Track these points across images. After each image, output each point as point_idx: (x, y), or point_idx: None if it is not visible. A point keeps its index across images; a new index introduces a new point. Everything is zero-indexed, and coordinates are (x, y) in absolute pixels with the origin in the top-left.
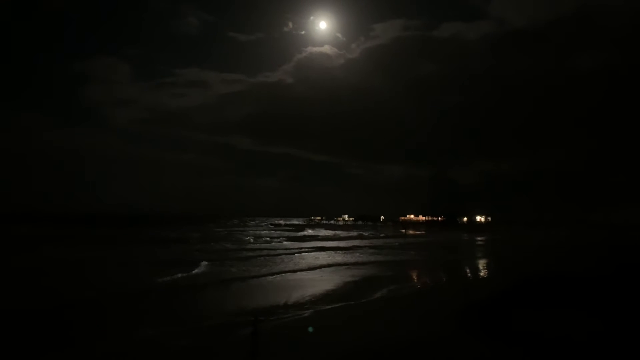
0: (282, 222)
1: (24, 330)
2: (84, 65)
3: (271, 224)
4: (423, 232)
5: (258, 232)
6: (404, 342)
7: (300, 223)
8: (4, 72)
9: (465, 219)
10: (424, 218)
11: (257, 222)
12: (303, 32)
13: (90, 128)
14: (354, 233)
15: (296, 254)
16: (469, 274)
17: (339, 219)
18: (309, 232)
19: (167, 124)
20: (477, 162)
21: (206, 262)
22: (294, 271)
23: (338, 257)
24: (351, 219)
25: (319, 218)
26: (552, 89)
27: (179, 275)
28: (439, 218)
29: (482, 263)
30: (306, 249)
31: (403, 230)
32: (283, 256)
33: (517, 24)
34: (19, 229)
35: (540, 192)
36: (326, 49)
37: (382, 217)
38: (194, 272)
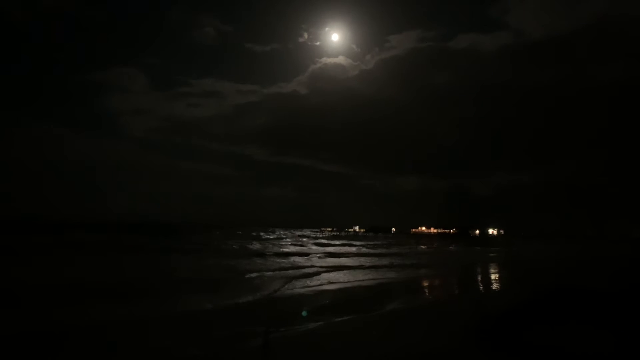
0: (314, 234)
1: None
2: (100, 75)
3: (307, 237)
4: (435, 245)
5: (310, 245)
6: (414, 355)
7: (327, 235)
8: (20, 81)
9: (477, 231)
10: (435, 230)
11: (280, 233)
12: (318, 43)
13: (106, 137)
14: (368, 250)
15: (324, 273)
16: (482, 288)
17: (350, 230)
18: (336, 248)
19: (181, 133)
20: (492, 174)
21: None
22: (313, 285)
23: (353, 270)
24: (362, 230)
25: (329, 229)
26: (570, 100)
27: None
28: (451, 230)
29: (495, 277)
30: (332, 266)
31: (415, 243)
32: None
33: (536, 35)
34: (44, 237)
35: (555, 205)
36: (341, 59)
37: (393, 229)
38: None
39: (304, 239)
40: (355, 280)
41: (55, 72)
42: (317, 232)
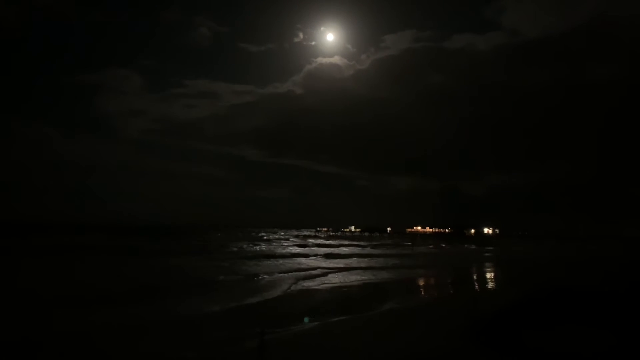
0: (312, 234)
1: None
2: (95, 76)
3: (307, 238)
4: (430, 244)
5: (311, 247)
6: (413, 355)
7: (324, 235)
8: (15, 82)
9: (472, 231)
10: (430, 230)
11: (279, 234)
12: (313, 43)
13: (101, 139)
14: (367, 250)
15: (330, 274)
16: (479, 288)
17: (345, 230)
18: (336, 248)
19: (177, 134)
20: (487, 174)
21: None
22: (319, 286)
23: (356, 271)
24: (358, 230)
25: (325, 229)
26: (565, 100)
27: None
28: (446, 230)
29: (491, 276)
30: (332, 268)
31: (410, 243)
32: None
33: (531, 35)
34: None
35: (550, 205)
36: (336, 59)
37: (389, 229)
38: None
39: (304, 240)
40: (358, 281)
41: (50, 73)
42: (313, 232)
